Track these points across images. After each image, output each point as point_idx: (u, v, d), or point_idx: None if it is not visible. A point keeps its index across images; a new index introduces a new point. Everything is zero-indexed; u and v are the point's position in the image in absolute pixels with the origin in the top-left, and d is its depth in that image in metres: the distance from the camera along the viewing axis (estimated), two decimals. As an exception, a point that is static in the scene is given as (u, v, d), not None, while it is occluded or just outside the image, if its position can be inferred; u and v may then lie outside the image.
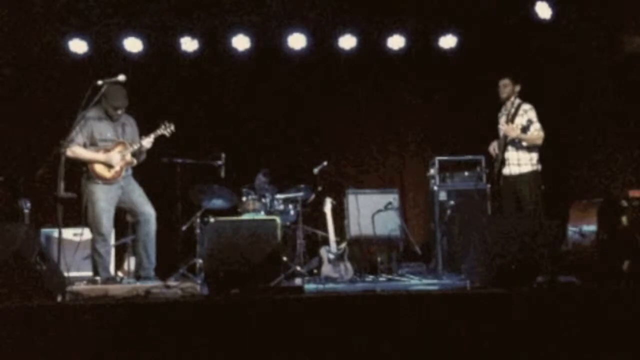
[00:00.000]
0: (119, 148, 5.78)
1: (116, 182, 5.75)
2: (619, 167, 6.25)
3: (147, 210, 5.84)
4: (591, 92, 6.79)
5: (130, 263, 6.56)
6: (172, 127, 5.99)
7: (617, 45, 6.44)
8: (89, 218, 5.71)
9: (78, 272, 6.28)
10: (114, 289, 4.88)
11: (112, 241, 6.39)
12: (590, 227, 4.86)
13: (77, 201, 5.61)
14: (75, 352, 3.69)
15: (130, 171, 5.92)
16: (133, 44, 7.50)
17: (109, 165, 5.72)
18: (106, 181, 5.72)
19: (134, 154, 5.84)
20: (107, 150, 5.74)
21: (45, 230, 6.68)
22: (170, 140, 6.09)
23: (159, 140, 5.94)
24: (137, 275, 5.89)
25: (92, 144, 5.74)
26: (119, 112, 5.81)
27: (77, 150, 5.65)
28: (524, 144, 5.86)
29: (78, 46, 7.45)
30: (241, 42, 7.60)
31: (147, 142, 5.86)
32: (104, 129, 5.78)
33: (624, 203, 4.84)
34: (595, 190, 5.47)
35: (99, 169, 5.70)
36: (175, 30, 7.53)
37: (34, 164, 6.96)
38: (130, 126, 5.98)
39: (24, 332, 3.73)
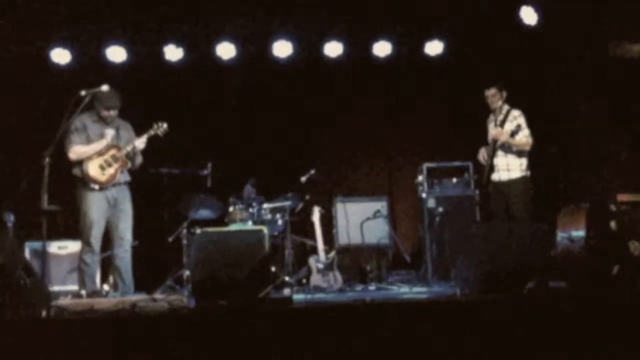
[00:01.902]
0: (112, 151, 5.74)
1: (111, 186, 5.69)
2: (607, 171, 6.26)
3: (127, 239, 5.79)
4: (578, 96, 6.80)
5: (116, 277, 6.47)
6: (165, 127, 5.92)
7: (604, 49, 6.47)
8: (80, 227, 5.67)
9: (63, 286, 6.22)
10: (100, 303, 4.83)
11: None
12: (579, 232, 4.87)
13: (62, 213, 5.54)
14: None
15: (127, 176, 5.87)
16: (117, 54, 7.42)
17: (102, 167, 5.66)
18: (101, 185, 5.65)
19: (128, 156, 5.79)
20: (101, 154, 5.69)
21: (29, 244, 6.58)
22: (156, 150, 6.03)
23: (147, 148, 5.90)
24: None
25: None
26: (112, 113, 5.77)
27: (78, 150, 5.65)
28: (514, 149, 5.87)
29: (61, 56, 7.36)
30: (226, 50, 7.54)
31: (140, 142, 5.81)
32: (98, 132, 5.75)
33: (613, 207, 4.85)
34: (584, 195, 5.48)
35: (94, 172, 5.64)
36: (160, 39, 7.47)
37: (17, 176, 6.93)
38: (126, 130, 5.95)
39: (8, 348, 3.66)
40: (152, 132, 5.88)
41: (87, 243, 5.64)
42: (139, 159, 5.92)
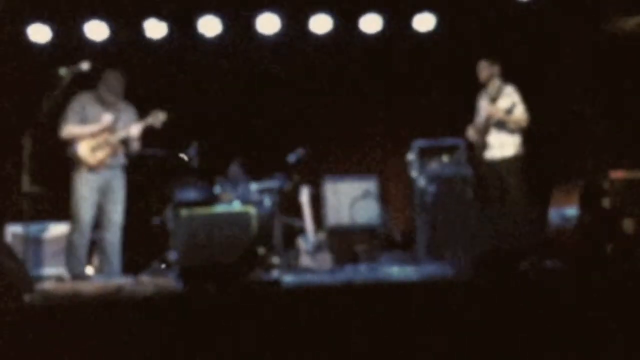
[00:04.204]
0: (105, 135, 5.64)
1: (101, 169, 5.60)
2: (600, 148, 6.25)
3: (117, 222, 5.73)
4: (570, 72, 6.77)
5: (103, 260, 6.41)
6: (162, 117, 5.81)
7: (597, 24, 6.43)
8: (70, 208, 5.59)
9: (47, 269, 6.15)
10: (85, 286, 4.75)
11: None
12: (573, 210, 4.83)
13: (44, 195, 5.46)
14: (44, 353, 3.55)
15: (121, 160, 5.78)
16: (97, 30, 7.22)
17: (93, 150, 5.57)
18: (90, 168, 5.56)
19: (121, 142, 5.68)
20: (93, 136, 5.61)
21: (11, 227, 6.48)
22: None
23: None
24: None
25: None
26: (113, 98, 5.71)
27: (70, 129, 5.58)
28: (511, 125, 5.79)
29: (40, 34, 7.20)
30: (211, 27, 7.39)
31: (134, 129, 5.71)
32: (96, 113, 5.66)
33: (606, 185, 4.81)
34: (577, 172, 5.46)
35: (84, 153, 5.56)
36: (143, 16, 7.30)
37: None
38: (126, 114, 5.86)
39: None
40: (149, 120, 5.78)
41: (76, 225, 5.57)
42: (135, 145, 5.82)
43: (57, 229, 6.29)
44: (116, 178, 5.75)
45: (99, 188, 5.64)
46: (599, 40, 6.41)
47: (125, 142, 5.72)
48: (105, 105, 5.71)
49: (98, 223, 5.76)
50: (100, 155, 5.60)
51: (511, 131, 5.81)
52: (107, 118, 5.65)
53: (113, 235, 5.70)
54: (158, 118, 5.78)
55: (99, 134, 5.61)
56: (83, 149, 5.56)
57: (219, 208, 6.39)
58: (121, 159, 5.79)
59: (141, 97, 6.10)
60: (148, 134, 6.02)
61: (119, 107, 5.78)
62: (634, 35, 6.15)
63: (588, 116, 6.52)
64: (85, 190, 5.58)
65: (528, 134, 5.88)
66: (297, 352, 3.64)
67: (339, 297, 3.97)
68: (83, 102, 5.66)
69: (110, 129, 5.66)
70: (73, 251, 5.57)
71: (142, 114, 5.94)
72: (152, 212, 6.55)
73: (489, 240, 4.51)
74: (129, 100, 5.99)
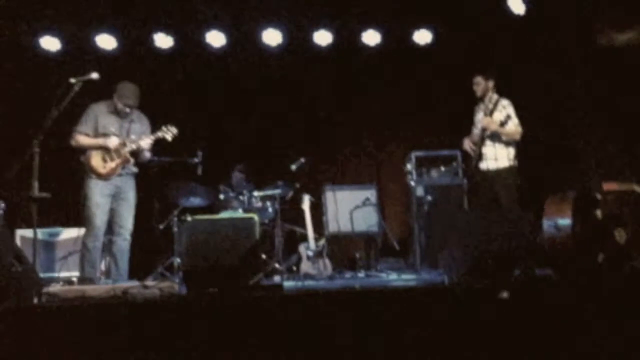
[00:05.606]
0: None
1: (111, 178, 5.73)
2: (593, 160, 6.30)
3: (127, 227, 5.86)
4: (565, 86, 6.83)
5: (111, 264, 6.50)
6: (174, 131, 5.95)
7: (591, 38, 6.49)
8: (83, 212, 5.72)
9: (55, 273, 6.24)
10: (91, 290, 4.85)
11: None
12: (565, 221, 4.90)
13: (53, 201, 5.55)
14: (51, 355, 3.64)
15: (130, 169, 5.92)
16: (107, 41, 7.38)
17: (104, 160, 5.70)
18: (100, 177, 5.71)
19: (132, 153, 5.81)
20: (106, 146, 5.77)
21: (20, 231, 6.58)
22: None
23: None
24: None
25: (94, 136, 5.80)
26: (127, 110, 5.85)
27: (79, 139, 5.74)
28: (504, 138, 5.88)
29: (50, 43, 7.33)
30: (216, 38, 7.52)
31: (145, 142, 5.85)
32: (108, 123, 5.81)
33: (598, 196, 4.89)
34: (570, 184, 5.52)
35: (95, 162, 5.71)
36: (150, 27, 7.43)
37: (6, 164, 6.89)
38: (140, 124, 6.00)
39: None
40: (159, 134, 5.92)
41: (88, 228, 5.70)
42: (145, 155, 5.97)
43: (69, 233, 6.41)
44: (127, 184, 5.88)
45: (111, 194, 5.78)
46: (594, 53, 6.48)
47: (136, 152, 5.86)
48: (119, 115, 5.84)
49: (109, 228, 5.88)
50: (112, 165, 5.73)
51: (505, 143, 5.90)
52: (113, 141, 5.77)
53: (123, 240, 5.83)
54: (169, 133, 5.92)
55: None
56: (95, 159, 5.71)
57: (223, 214, 6.48)
58: (132, 168, 5.93)
59: (146, 104, 6.20)
60: (154, 142, 6.14)
61: (132, 118, 5.91)
62: (628, 49, 6.22)
63: (581, 129, 6.58)
64: (98, 196, 5.71)
65: (522, 146, 5.97)
66: (297, 354, 3.73)
67: (338, 302, 4.05)
68: (97, 111, 5.80)
69: (122, 141, 5.80)
70: (87, 255, 5.69)
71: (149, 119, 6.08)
72: (158, 218, 6.62)
73: (483, 248, 4.59)
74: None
